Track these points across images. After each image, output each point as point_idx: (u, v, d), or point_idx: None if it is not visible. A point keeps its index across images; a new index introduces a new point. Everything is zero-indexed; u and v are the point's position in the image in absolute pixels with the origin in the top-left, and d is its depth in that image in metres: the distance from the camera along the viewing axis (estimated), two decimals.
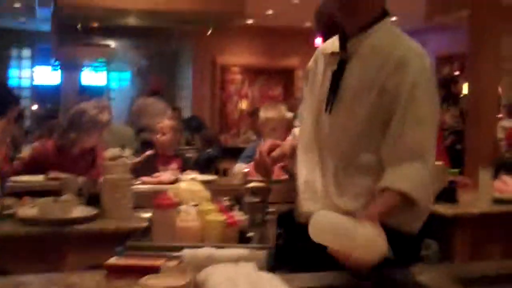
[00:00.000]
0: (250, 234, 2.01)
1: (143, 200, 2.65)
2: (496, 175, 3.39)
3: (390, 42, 1.75)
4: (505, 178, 3.32)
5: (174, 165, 3.64)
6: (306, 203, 1.84)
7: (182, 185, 2.50)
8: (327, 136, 1.80)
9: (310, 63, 1.94)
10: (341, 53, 1.78)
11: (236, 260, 1.66)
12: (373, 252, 1.42)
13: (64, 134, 3.58)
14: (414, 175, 1.65)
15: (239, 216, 2.07)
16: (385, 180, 1.66)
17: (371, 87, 1.71)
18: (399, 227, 1.69)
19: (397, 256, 1.57)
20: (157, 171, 3.57)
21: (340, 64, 1.77)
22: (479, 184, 3.18)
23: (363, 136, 1.74)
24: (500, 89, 6.82)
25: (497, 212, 3.02)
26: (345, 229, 1.49)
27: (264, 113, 3.68)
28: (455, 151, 5.80)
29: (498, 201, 3.10)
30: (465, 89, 9.86)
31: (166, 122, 3.90)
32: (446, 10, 6.45)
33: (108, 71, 11.07)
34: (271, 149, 1.91)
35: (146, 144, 4.63)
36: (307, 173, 1.87)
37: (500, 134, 5.40)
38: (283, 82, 10.00)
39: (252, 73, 9.82)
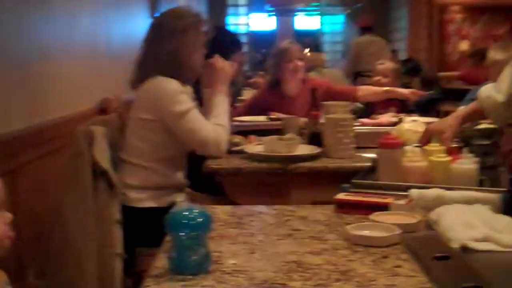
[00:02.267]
0: (481, 177, 1.91)
1: (363, 141, 2.65)
2: None
3: None
4: None
5: (393, 108, 3.56)
6: None
7: (406, 125, 2.45)
8: None
9: None
10: None
11: (467, 202, 1.60)
12: None
13: (270, 75, 3.71)
14: None
15: (468, 158, 1.98)
16: None
17: None
18: None
19: None
20: (374, 113, 3.53)
21: None
22: None
23: None
24: None
25: None
26: None
27: (494, 54, 3.40)
28: None
29: None
30: None
31: (387, 64, 3.82)
32: None
33: (322, 15, 11.15)
34: None
35: None
36: None
37: None
38: (510, 20, 9.20)
39: (474, 11, 9.18)
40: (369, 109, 3.72)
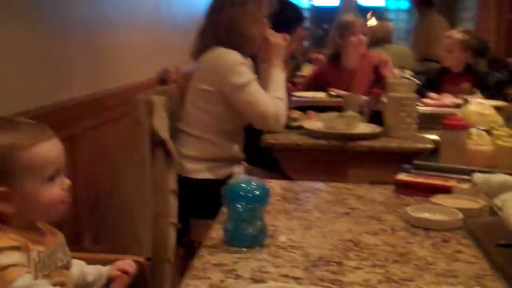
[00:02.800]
0: None
1: (425, 122, 2.58)
2: None
3: None
4: None
5: (466, 84, 3.41)
6: None
7: (472, 107, 2.37)
8: None
9: None
10: None
11: None
12: None
13: (331, 48, 3.65)
14: None
15: None
16: None
17: None
18: None
19: None
20: (444, 89, 3.40)
21: None
22: None
23: None
24: None
25: None
26: None
27: None
28: None
29: None
30: None
31: (455, 36, 3.60)
32: None
33: None
34: None
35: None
36: None
37: None
38: None
39: None
40: (436, 84, 3.55)
